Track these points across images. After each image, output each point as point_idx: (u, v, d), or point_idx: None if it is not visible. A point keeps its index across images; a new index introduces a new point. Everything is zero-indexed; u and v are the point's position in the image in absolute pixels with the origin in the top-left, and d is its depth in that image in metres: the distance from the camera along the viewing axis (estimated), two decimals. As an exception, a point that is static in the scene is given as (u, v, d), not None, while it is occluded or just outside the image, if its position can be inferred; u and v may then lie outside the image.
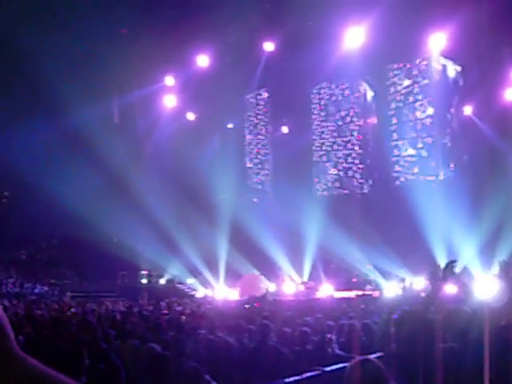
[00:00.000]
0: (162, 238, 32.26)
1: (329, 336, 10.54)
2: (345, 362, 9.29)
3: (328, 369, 9.09)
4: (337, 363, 9.26)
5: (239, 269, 32.60)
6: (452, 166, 32.60)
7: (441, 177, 33.49)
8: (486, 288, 21.48)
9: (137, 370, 7.97)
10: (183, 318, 16.56)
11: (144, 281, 36.04)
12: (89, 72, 30.15)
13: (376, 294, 28.19)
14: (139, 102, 34.53)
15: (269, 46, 33.48)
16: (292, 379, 8.31)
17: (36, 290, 32.25)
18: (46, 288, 32.89)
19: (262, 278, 31.35)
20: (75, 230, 31.65)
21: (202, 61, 34.20)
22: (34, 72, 28.65)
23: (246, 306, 20.34)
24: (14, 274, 34.19)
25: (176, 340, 10.13)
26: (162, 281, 35.41)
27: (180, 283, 33.94)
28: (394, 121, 34.70)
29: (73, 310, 19.92)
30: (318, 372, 8.93)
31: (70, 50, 29.43)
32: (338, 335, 11.23)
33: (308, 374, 8.78)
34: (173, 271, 34.16)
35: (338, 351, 10.16)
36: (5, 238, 35.29)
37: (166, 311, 18.71)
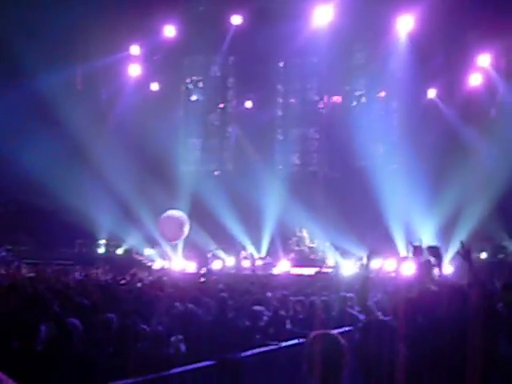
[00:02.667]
0: (122, 207, 32.12)
1: (286, 312, 10.59)
2: (302, 338, 9.36)
3: (285, 344, 9.14)
4: (294, 339, 9.31)
5: (197, 241, 32.56)
6: (414, 148, 32.74)
7: (402, 158, 33.64)
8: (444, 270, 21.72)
9: (94, 340, 7.93)
10: (139, 285, 16.57)
11: (101, 250, 35.84)
12: (53, 37, 29.70)
13: (334, 271, 28.41)
14: (103, 69, 34.15)
15: (236, 20, 33.25)
16: (249, 353, 8.34)
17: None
18: (3, 253, 32.58)
19: (184, 219, 30.51)
20: (33, 196, 31.32)
21: (169, 31, 33.87)
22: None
23: (202, 280, 20.38)
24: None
25: (134, 310, 10.10)
26: (120, 251, 35.22)
27: (138, 254, 33.82)
28: (359, 100, 34.80)
29: (29, 275, 19.81)
30: (275, 347, 8.98)
31: (33, 14, 29.01)
32: (296, 311, 11.30)
33: (265, 349, 8.82)
34: (131, 241, 34.00)
35: (295, 327, 10.23)
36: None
37: (123, 281, 18.66)
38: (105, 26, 30.18)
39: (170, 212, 29.21)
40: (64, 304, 10.19)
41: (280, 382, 8.70)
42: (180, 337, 8.10)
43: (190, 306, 10.49)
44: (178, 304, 10.76)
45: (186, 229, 29.27)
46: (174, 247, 31.76)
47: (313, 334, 4.43)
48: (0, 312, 9.05)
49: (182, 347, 7.98)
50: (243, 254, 32.62)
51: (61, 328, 6.95)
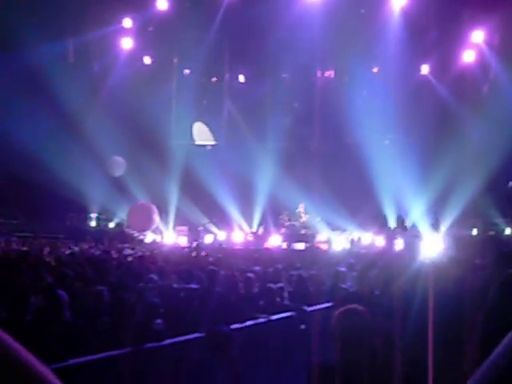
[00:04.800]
0: (113, 181, 32.11)
1: (277, 285, 10.64)
2: (292, 312, 9.42)
3: (275, 317, 9.19)
4: (284, 312, 9.36)
5: (189, 215, 32.64)
6: (405, 125, 32.76)
7: (394, 134, 33.67)
8: (432, 246, 21.83)
9: (84, 313, 7.97)
10: (129, 258, 16.60)
11: (93, 224, 35.87)
12: (44, 10, 29.52)
13: (324, 246, 28.52)
14: (95, 42, 33.94)
15: (230, -7, 33.19)
16: (239, 325, 8.39)
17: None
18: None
19: (154, 208, 31.00)
20: (24, 170, 31.24)
21: (161, 4, 33.69)
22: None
23: (194, 254, 20.42)
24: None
25: (124, 283, 10.16)
26: (111, 224, 35.26)
27: (129, 228, 33.86)
28: (351, 76, 34.73)
29: (22, 248, 19.84)
30: (265, 319, 9.02)
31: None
32: (286, 285, 11.35)
33: (254, 321, 8.87)
34: (122, 215, 34.02)
35: (286, 301, 10.28)
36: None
37: (115, 255, 18.70)
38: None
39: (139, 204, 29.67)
40: (55, 276, 10.24)
41: (270, 355, 8.76)
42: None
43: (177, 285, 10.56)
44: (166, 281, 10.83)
45: (156, 218, 29.56)
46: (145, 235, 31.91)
47: (340, 309, 4.45)
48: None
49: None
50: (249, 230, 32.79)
51: (50, 298, 7.00)
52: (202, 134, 37.86)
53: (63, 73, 30.95)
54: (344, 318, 4.32)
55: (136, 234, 32.03)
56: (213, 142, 37.89)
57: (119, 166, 32.15)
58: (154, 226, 30.74)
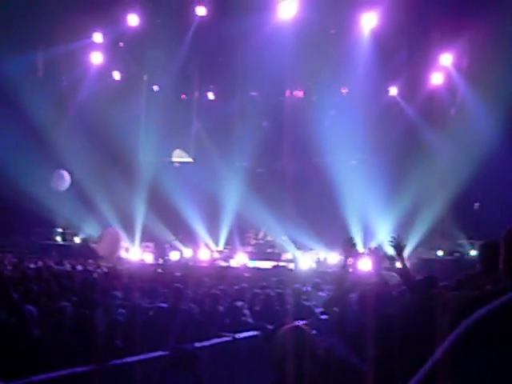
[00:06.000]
0: (79, 196, 31.96)
1: (242, 304, 10.63)
2: (257, 331, 9.40)
3: (240, 336, 9.17)
4: (249, 331, 9.35)
5: (155, 231, 32.55)
6: (373, 145, 32.97)
7: (361, 155, 33.83)
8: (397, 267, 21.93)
9: (48, 328, 7.91)
10: (95, 275, 16.50)
11: (58, 238, 35.60)
12: (14, 22, 29.41)
13: (290, 265, 28.56)
14: (65, 56, 33.80)
15: (201, 11, 33.14)
16: (204, 344, 8.37)
17: None
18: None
19: (121, 234, 31.17)
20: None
21: (132, 20, 33.65)
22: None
23: (159, 270, 20.36)
24: None
25: (89, 299, 10.08)
26: (77, 239, 35.02)
27: (94, 243, 33.64)
28: (319, 96, 34.85)
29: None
30: (230, 338, 9.01)
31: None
32: (251, 304, 11.34)
33: (220, 340, 8.85)
34: (88, 230, 33.83)
35: (250, 319, 10.27)
36: None
37: (80, 270, 18.59)
38: (68, 11, 29.93)
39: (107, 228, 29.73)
40: (20, 291, 10.15)
41: (235, 374, 8.74)
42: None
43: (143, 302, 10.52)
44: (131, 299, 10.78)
45: (122, 244, 29.64)
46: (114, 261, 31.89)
47: (284, 327, 4.45)
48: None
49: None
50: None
51: (16, 314, 6.94)
52: (180, 156, 37.90)
53: (31, 86, 30.84)
54: (287, 335, 4.33)
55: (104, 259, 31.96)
56: (190, 159, 37.87)
57: (64, 179, 32.02)
58: (117, 256, 30.65)
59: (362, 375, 4.68)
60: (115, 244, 30.47)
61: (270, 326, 9.63)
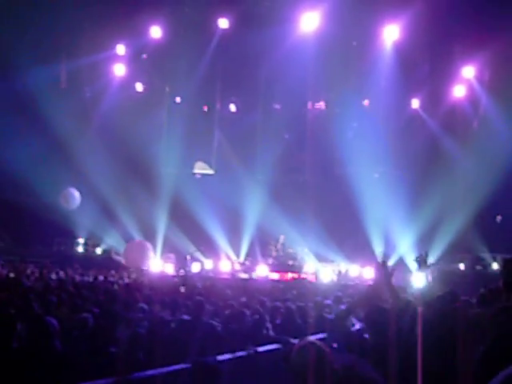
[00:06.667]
0: (102, 207, 32.07)
1: (263, 317, 10.59)
2: (278, 344, 9.37)
3: (261, 349, 9.14)
4: (270, 344, 9.31)
5: (176, 243, 32.57)
6: (395, 158, 32.87)
7: (384, 167, 33.74)
8: (419, 280, 21.82)
9: (70, 340, 7.92)
10: (116, 286, 16.52)
11: (80, 249, 35.73)
12: (38, 34, 29.58)
13: (312, 278, 28.48)
14: (88, 68, 34.00)
15: (223, 23, 33.23)
16: (225, 357, 8.34)
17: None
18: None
19: (149, 246, 31.30)
20: (12, 193, 31.21)
21: (155, 32, 33.77)
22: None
23: (182, 290, 20.31)
24: None
25: (110, 311, 10.09)
26: (99, 250, 35.13)
27: (116, 254, 33.73)
28: (342, 108, 34.80)
29: (10, 275, 19.72)
30: (251, 352, 8.97)
31: (19, 10, 28.89)
32: (272, 317, 11.30)
33: (241, 353, 8.82)
34: (110, 241, 33.94)
35: (272, 332, 10.23)
36: None
37: (101, 281, 18.63)
38: (91, 24, 30.10)
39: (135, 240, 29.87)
40: (42, 303, 10.20)
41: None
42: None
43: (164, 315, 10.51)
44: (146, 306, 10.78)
45: (150, 255, 29.73)
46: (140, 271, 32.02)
47: (298, 343, 4.44)
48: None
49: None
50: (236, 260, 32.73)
51: (39, 326, 6.95)
52: (201, 168, 37.96)
53: (55, 97, 31.01)
54: (302, 352, 4.31)
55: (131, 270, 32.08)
56: (211, 171, 37.93)
57: (74, 198, 32.15)
58: (148, 263, 30.80)
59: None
60: (143, 255, 30.58)
61: (291, 340, 9.62)
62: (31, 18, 28.75)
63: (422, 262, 7.51)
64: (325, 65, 30.18)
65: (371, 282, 8.33)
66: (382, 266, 6.97)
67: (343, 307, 11.65)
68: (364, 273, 28.61)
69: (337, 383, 4.15)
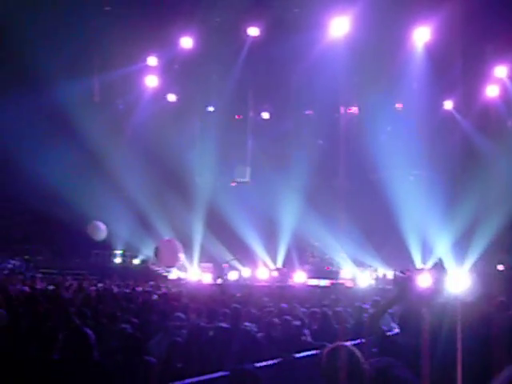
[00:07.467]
0: (138, 218, 32.25)
1: (301, 323, 10.59)
2: (316, 350, 9.36)
3: (299, 355, 9.13)
4: (308, 350, 9.30)
5: (213, 252, 32.64)
6: (429, 160, 32.70)
7: (419, 170, 33.60)
8: (458, 282, 21.68)
9: (108, 350, 7.97)
10: (155, 297, 16.60)
11: (117, 260, 35.95)
12: (71, 48, 29.84)
13: (349, 283, 28.39)
14: (120, 81, 34.23)
15: (253, 31, 33.26)
16: (263, 364, 8.34)
17: (9, 266, 32.09)
18: (18, 263, 32.74)
19: (179, 244, 31.32)
20: (50, 206, 31.45)
21: (186, 42, 33.88)
22: (17, 47, 28.19)
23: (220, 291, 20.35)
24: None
25: (148, 321, 10.15)
26: (136, 261, 35.33)
27: (154, 264, 33.88)
28: (375, 112, 34.67)
29: (49, 287, 19.88)
30: (290, 358, 8.97)
31: (53, 25, 29.13)
32: (310, 323, 11.30)
33: (279, 360, 8.82)
34: (147, 252, 34.10)
35: (310, 338, 10.22)
36: (-23, 212, 35.13)
37: (139, 292, 18.71)
38: (122, 36, 30.28)
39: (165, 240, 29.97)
40: (81, 314, 10.28)
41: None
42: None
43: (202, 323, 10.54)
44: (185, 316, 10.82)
45: (181, 255, 29.80)
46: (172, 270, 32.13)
47: (328, 346, 4.45)
48: (19, 322, 9.13)
49: None
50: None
51: (78, 337, 7.01)
52: (241, 173, 37.97)
53: (88, 111, 31.27)
54: (332, 356, 4.32)
55: (161, 271, 32.16)
56: (246, 179, 38.00)
57: (100, 230, 32.46)
58: (179, 263, 30.89)
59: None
60: (173, 253, 30.64)
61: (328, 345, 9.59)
62: (64, 33, 28.98)
63: (439, 267, 7.49)
64: (356, 69, 30.08)
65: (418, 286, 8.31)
66: (437, 271, 6.98)
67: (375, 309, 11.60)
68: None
69: None
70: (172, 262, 30.44)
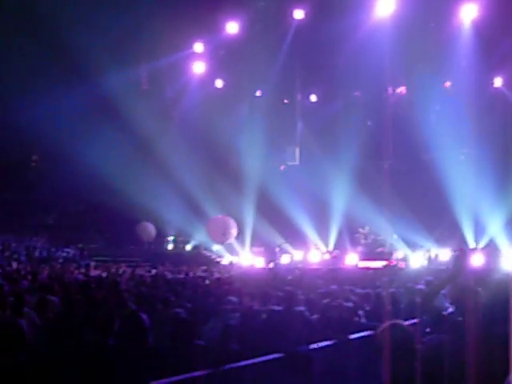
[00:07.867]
0: (189, 204, 32.38)
1: (354, 304, 10.59)
2: (370, 331, 9.37)
3: (353, 337, 9.14)
4: (362, 331, 9.31)
5: (265, 236, 32.67)
6: (479, 138, 32.34)
7: (469, 149, 33.27)
8: (511, 261, 21.45)
9: (162, 335, 8.06)
10: (207, 281, 16.70)
11: (170, 247, 36.22)
12: (117, 37, 30.05)
13: (401, 264, 28.23)
14: (168, 68, 34.42)
15: (298, 14, 33.16)
16: (318, 346, 8.37)
17: (63, 254, 32.55)
18: (72, 252, 33.20)
19: (232, 222, 31.41)
20: (102, 195, 31.81)
21: (232, 28, 33.91)
22: (66, 39, 28.44)
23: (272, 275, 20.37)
24: (42, 238, 34.54)
25: (202, 305, 10.23)
26: (188, 247, 35.55)
27: (206, 250, 34.09)
28: (423, 91, 34.35)
29: (103, 274, 20.14)
30: (344, 340, 8.98)
31: (98, 13, 29.38)
32: (363, 304, 11.28)
33: (333, 341, 8.83)
34: (199, 238, 34.29)
35: (363, 319, 10.22)
36: (33, 202, 35.64)
37: (192, 277, 18.84)
38: (168, 24, 30.41)
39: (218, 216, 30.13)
40: (136, 300, 10.42)
41: (350, 375, 8.71)
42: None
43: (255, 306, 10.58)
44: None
45: (234, 231, 29.87)
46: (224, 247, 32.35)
47: (382, 325, 4.48)
48: (74, 309, 9.27)
49: None
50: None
51: (133, 322, 7.12)
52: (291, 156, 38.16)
53: (137, 99, 31.51)
54: (387, 333, 4.34)
55: (214, 256, 32.40)
56: (296, 162, 38.08)
57: (149, 231, 32.78)
58: (231, 239, 31.07)
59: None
60: (225, 230, 30.84)
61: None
62: (110, 21, 29.19)
63: (492, 246, 7.43)
64: (403, 49, 29.82)
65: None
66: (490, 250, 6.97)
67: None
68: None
69: (422, 363, 4.18)
70: (223, 238, 30.63)
